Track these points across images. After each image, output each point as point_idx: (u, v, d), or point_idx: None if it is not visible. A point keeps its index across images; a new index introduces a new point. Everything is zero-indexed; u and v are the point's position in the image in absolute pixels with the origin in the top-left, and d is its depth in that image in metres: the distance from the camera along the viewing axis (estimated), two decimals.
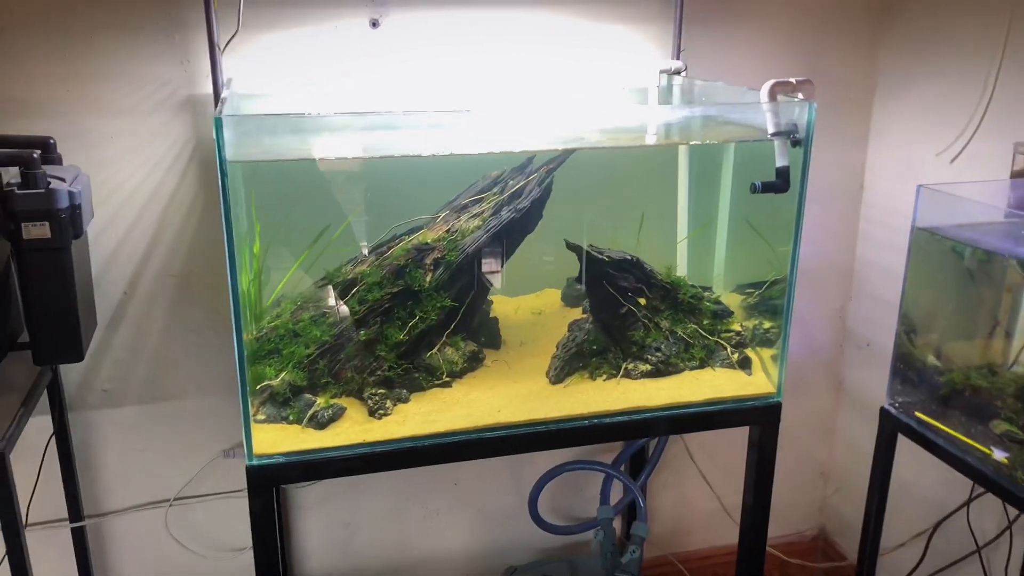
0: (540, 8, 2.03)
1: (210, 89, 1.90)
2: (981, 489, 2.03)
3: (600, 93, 2.12)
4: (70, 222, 1.61)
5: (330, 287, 1.64)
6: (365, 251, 1.70)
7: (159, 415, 2.09)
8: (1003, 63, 1.93)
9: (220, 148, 1.32)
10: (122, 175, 1.92)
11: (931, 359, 1.70)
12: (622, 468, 2.27)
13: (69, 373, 2.01)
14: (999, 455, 1.48)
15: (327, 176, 1.65)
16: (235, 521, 2.19)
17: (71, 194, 1.61)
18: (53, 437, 1.97)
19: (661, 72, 2.07)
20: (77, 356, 1.69)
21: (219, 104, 1.78)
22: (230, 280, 1.40)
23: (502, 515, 2.42)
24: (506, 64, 2.05)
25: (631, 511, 2.36)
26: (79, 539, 2.05)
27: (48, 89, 1.83)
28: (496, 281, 1.78)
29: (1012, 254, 1.56)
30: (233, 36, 1.82)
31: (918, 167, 2.21)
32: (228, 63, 1.87)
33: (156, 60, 1.87)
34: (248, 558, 2.21)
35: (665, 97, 2.08)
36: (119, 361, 2.04)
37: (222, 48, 1.84)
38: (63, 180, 1.62)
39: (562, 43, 2.07)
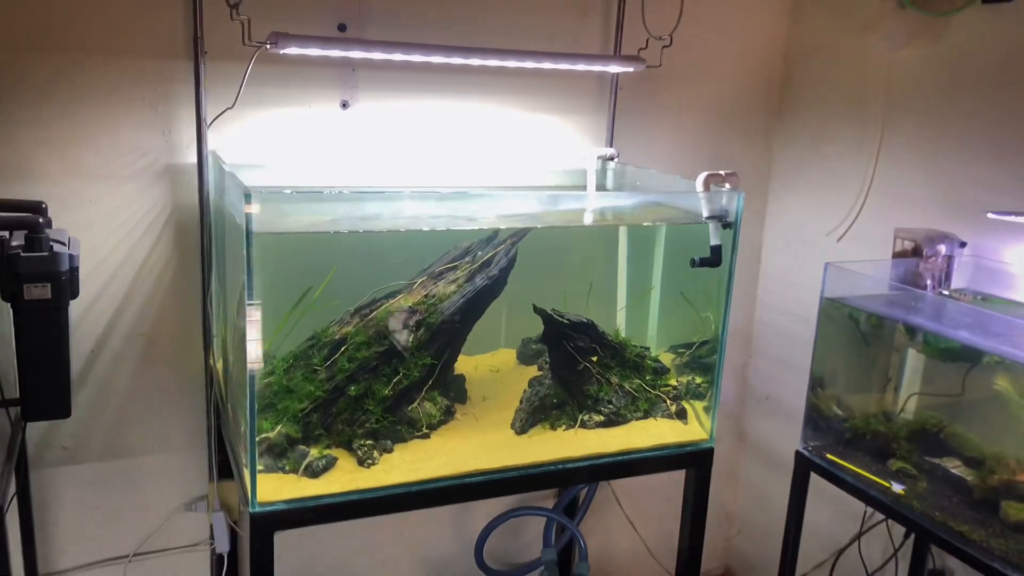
0: (492, 102, 2.28)
1: (188, 159, 2.03)
2: (870, 524, 2.36)
3: (544, 173, 2.37)
4: (69, 284, 1.69)
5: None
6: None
7: (119, 471, 2.13)
8: (879, 159, 2.32)
9: (249, 218, 1.46)
10: (100, 237, 2.00)
11: (835, 409, 2.00)
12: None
13: (30, 431, 2.04)
14: (897, 487, 1.78)
15: (317, 244, 1.81)
16: (196, 574, 2.23)
17: (71, 257, 1.70)
18: (15, 497, 1.98)
19: (597, 158, 2.34)
20: (65, 412, 1.75)
21: (205, 172, 1.91)
22: (247, 344, 1.53)
23: (445, 563, 2.56)
24: (461, 144, 2.28)
25: (565, 553, 2.55)
26: None
27: (32, 153, 1.90)
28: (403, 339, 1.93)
29: (902, 320, 1.89)
30: (225, 110, 1.96)
31: (809, 245, 2.58)
32: (209, 136, 2.00)
33: (139, 130, 1.99)
34: None
35: (600, 180, 2.35)
36: (82, 419, 2.08)
37: (209, 123, 1.98)
38: (63, 244, 1.71)
39: (510, 130, 2.32)
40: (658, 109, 2.50)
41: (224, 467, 2.16)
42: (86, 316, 2.03)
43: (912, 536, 2.21)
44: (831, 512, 2.46)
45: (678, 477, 2.82)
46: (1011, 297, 1.95)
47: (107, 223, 2.00)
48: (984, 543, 1.60)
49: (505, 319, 2.10)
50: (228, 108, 1.94)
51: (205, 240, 2.05)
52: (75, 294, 1.72)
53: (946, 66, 2.12)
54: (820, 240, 2.52)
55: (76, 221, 1.96)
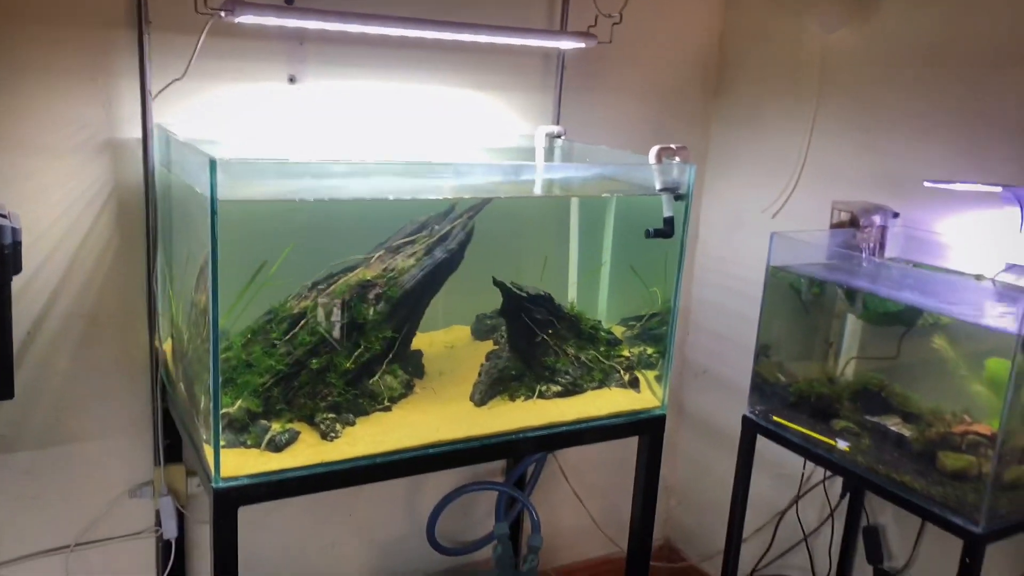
0: (437, 79, 2.28)
1: (129, 134, 1.96)
2: (808, 487, 2.46)
3: (491, 151, 2.39)
4: (12, 258, 1.62)
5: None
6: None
7: (58, 459, 2.05)
8: (812, 138, 2.42)
9: (213, 188, 1.43)
10: (36, 213, 1.92)
11: (779, 375, 2.09)
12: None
13: None
14: (842, 444, 1.87)
15: (273, 218, 1.78)
16: (141, 563, 2.17)
17: (14, 231, 1.62)
18: None
19: (545, 135, 2.37)
20: (8, 393, 1.67)
21: (151, 146, 1.86)
22: (211, 313, 1.49)
23: (395, 542, 2.55)
24: (407, 120, 2.27)
25: (514, 528, 2.58)
26: None
27: None
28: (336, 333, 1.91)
29: (847, 284, 1.99)
30: (173, 81, 1.90)
31: (745, 222, 2.67)
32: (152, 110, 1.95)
33: (77, 102, 1.91)
34: None
35: (548, 157, 2.38)
36: (18, 404, 1.98)
37: (154, 95, 1.92)
38: (4, 216, 1.63)
39: (457, 107, 2.33)
40: (600, 88, 2.54)
41: (170, 451, 2.11)
42: (22, 296, 1.94)
43: (847, 496, 2.32)
44: (767, 479, 2.56)
45: (622, 453, 2.88)
46: (940, 264, 2.06)
47: (44, 199, 1.92)
48: (925, 491, 1.69)
49: (458, 295, 2.10)
50: (177, 79, 1.89)
51: (151, 216, 1.99)
52: (18, 269, 1.65)
53: (878, 47, 2.22)
54: (756, 217, 2.61)
55: (10, 197, 1.87)
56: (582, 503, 2.81)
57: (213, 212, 1.44)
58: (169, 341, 2.01)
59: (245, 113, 2.07)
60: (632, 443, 2.86)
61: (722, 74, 2.72)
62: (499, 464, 2.66)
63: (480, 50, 2.29)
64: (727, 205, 2.75)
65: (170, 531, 2.10)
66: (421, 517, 2.52)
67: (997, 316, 1.68)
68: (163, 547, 2.15)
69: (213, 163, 1.42)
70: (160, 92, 1.92)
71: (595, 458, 2.80)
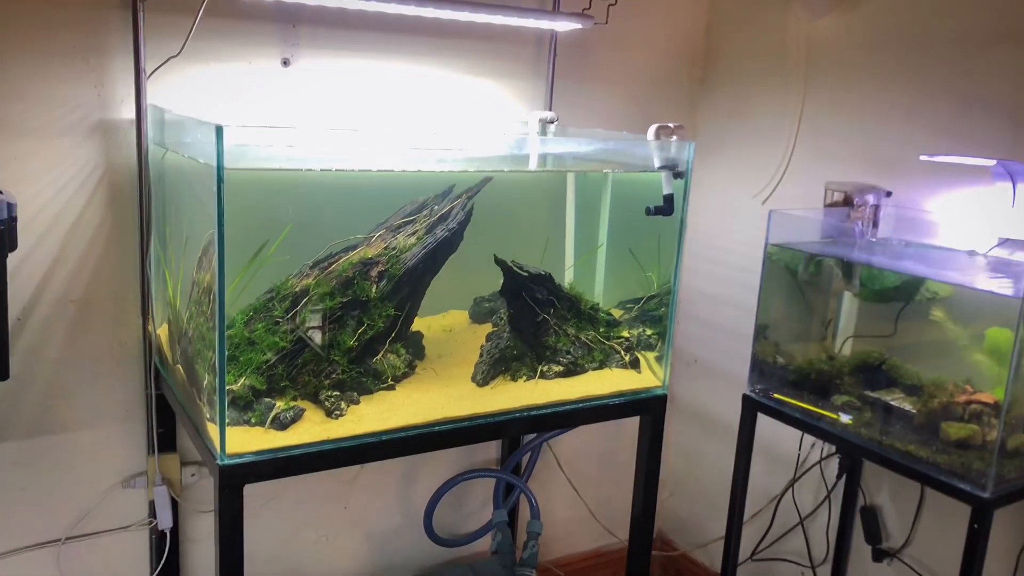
0: (430, 64, 2.28)
1: (122, 115, 1.93)
2: (803, 471, 2.47)
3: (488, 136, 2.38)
4: (8, 235, 1.58)
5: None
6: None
7: (48, 449, 2.00)
8: (801, 122, 2.45)
9: (219, 155, 1.41)
10: (24, 196, 1.87)
11: (778, 356, 2.10)
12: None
13: None
14: (845, 418, 1.88)
15: (271, 193, 1.76)
16: (134, 555, 2.12)
17: (9, 206, 1.59)
18: None
19: (539, 121, 2.37)
20: (4, 374, 1.63)
21: (144, 126, 1.83)
22: (218, 287, 1.47)
23: (391, 534, 2.51)
24: (400, 105, 2.26)
25: (510, 517, 2.56)
26: None
27: None
28: (317, 338, 1.88)
29: (847, 259, 2.01)
30: (169, 59, 1.88)
31: (735, 209, 2.69)
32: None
33: (68, 83, 1.88)
34: None
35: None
36: (6, 391, 1.93)
37: (148, 74, 1.89)
38: (0, 192, 1.59)
39: (449, 93, 2.32)
40: (589, 75, 2.55)
41: (164, 439, 2.06)
42: (11, 282, 1.87)
43: (843, 478, 2.33)
44: (762, 464, 2.57)
45: (613, 444, 2.89)
46: (932, 242, 2.09)
47: (33, 182, 1.88)
48: (931, 459, 1.71)
49: (456, 278, 2.08)
50: (173, 56, 1.86)
51: (144, 198, 1.95)
52: (14, 246, 1.62)
53: (864, 31, 2.26)
54: (746, 203, 2.63)
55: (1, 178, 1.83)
56: (578, 493, 2.79)
57: (220, 180, 1.42)
58: (164, 325, 1.98)
59: (239, 95, 2.05)
60: (623, 434, 2.87)
61: (708, 61, 2.75)
62: (493, 454, 2.64)
63: (473, 35, 2.30)
64: (716, 192, 2.77)
65: (165, 522, 2.05)
66: (417, 508, 2.50)
67: (996, 285, 1.70)
68: (157, 539, 2.10)
69: (219, 129, 1.40)
70: (155, 71, 1.89)
71: (588, 449, 2.79)
